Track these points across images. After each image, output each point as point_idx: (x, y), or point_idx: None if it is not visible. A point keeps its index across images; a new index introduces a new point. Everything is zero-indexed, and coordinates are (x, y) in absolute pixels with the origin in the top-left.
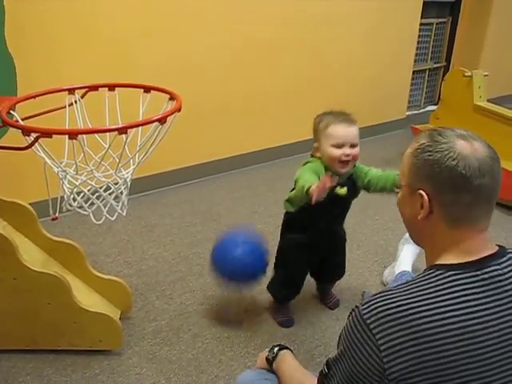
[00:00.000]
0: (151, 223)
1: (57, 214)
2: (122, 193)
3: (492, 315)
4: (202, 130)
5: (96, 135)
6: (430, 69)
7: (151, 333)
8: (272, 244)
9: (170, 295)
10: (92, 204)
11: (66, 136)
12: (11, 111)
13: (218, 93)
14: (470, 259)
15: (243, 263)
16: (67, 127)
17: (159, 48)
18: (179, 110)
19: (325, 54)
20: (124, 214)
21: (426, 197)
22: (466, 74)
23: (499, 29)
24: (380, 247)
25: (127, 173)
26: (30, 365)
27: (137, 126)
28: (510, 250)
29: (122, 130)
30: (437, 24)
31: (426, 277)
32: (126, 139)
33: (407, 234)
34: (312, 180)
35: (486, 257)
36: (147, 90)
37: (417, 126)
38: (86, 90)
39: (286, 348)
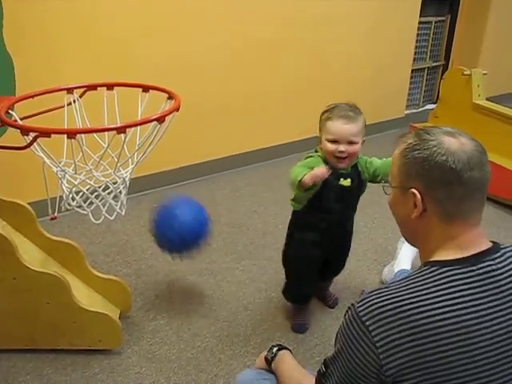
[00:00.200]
0: None
1: (56, 214)
2: (120, 192)
3: (487, 310)
4: (202, 129)
5: (95, 134)
6: (428, 67)
7: (151, 332)
8: (272, 242)
9: (170, 294)
10: (91, 203)
11: (65, 135)
12: (10, 111)
13: (217, 92)
14: (465, 255)
15: (184, 221)
16: (66, 127)
17: (159, 48)
18: (178, 110)
19: (325, 54)
20: (123, 213)
21: (418, 195)
22: (465, 72)
23: (498, 27)
24: (379, 246)
25: (126, 172)
26: (29, 364)
27: (135, 125)
28: (503, 246)
29: (121, 130)
30: (435, 22)
31: (421, 273)
32: (125, 139)
33: None
34: (303, 172)
35: (480, 252)
36: (146, 89)
37: (416, 125)
38: (85, 89)
39: (285, 348)
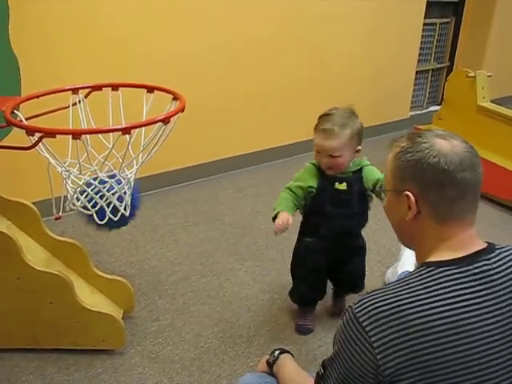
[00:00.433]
0: (154, 223)
1: (60, 214)
2: (125, 193)
3: (484, 309)
4: (204, 129)
5: (99, 135)
6: (433, 69)
7: (154, 332)
8: (275, 243)
9: (173, 295)
10: (95, 204)
11: (70, 136)
12: (15, 111)
13: (217, 93)
14: (460, 255)
15: None
16: (71, 127)
17: (159, 48)
18: (183, 110)
19: (325, 54)
20: (127, 214)
21: (412, 197)
22: (470, 74)
23: (503, 29)
24: (382, 248)
25: (131, 173)
26: (32, 364)
27: (140, 126)
28: (498, 247)
29: (126, 131)
30: (440, 24)
31: (418, 274)
32: (130, 139)
33: None
34: (281, 207)
35: (475, 252)
36: (151, 90)
37: (420, 127)
38: (90, 89)
39: (287, 352)
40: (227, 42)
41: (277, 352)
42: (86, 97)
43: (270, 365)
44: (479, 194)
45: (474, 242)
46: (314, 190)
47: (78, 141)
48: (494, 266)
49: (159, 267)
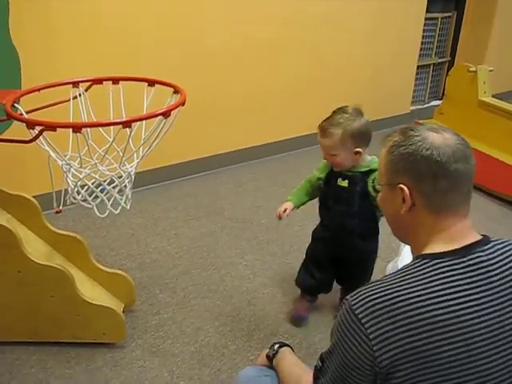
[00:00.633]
0: (155, 217)
1: (61, 207)
2: (126, 186)
3: (478, 300)
4: (205, 124)
5: (100, 128)
6: (434, 64)
7: (154, 326)
8: (276, 237)
9: (174, 288)
10: (96, 197)
11: (70, 129)
12: (15, 104)
13: (219, 88)
14: (455, 247)
15: None
16: (71, 120)
17: (160, 47)
18: (183, 104)
19: (325, 54)
20: (128, 207)
21: (406, 190)
22: (471, 69)
23: (504, 24)
24: (382, 242)
25: (131, 166)
26: (33, 357)
27: (141, 119)
28: (493, 239)
29: (127, 124)
30: (442, 19)
31: (413, 266)
32: (130, 133)
33: None
34: (291, 196)
35: (470, 244)
36: (151, 83)
37: (421, 121)
38: (90, 83)
39: (287, 345)
40: (227, 42)
41: (277, 345)
42: (86, 90)
43: (270, 358)
44: (472, 185)
45: (468, 234)
46: (321, 183)
47: (78, 134)
48: (489, 257)
49: (160, 261)
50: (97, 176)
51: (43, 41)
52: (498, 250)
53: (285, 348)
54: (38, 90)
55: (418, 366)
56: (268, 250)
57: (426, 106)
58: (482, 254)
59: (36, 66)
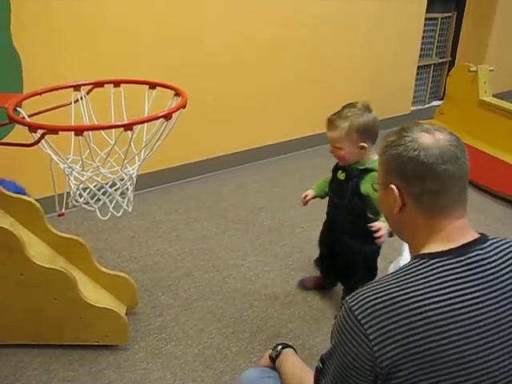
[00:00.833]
0: (156, 219)
1: (63, 210)
2: (127, 189)
3: (477, 298)
4: (207, 126)
5: (102, 131)
6: (435, 64)
7: (157, 328)
8: (278, 239)
9: (176, 291)
10: (98, 200)
11: (72, 132)
12: (17, 108)
13: (220, 90)
14: (453, 246)
15: None
16: (73, 124)
17: (160, 48)
18: (184, 107)
19: (325, 54)
20: (130, 210)
21: (396, 190)
22: (472, 69)
23: (505, 23)
24: (385, 242)
25: (133, 169)
26: (37, 359)
27: (142, 122)
28: (491, 238)
29: (128, 127)
30: (442, 19)
31: (411, 266)
32: (132, 136)
33: None
34: (315, 186)
35: (468, 243)
36: (152, 86)
37: (422, 122)
38: (92, 86)
39: (290, 346)
40: (227, 42)
41: (279, 347)
42: (88, 93)
43: (273, 359)
44: (466, 185)
45: (465, 233)
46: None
47: (80, 137)
48: (488, 255)
49: (162, 263)
50: (99, 179)
51: (43, 41)
52: (496, 248)
53: (288, 349)
54: (40, 93)
55: (420, 365)
56: (270, 252)
57: (426, 106)
58: (480, 252)
59: (36, 67)
